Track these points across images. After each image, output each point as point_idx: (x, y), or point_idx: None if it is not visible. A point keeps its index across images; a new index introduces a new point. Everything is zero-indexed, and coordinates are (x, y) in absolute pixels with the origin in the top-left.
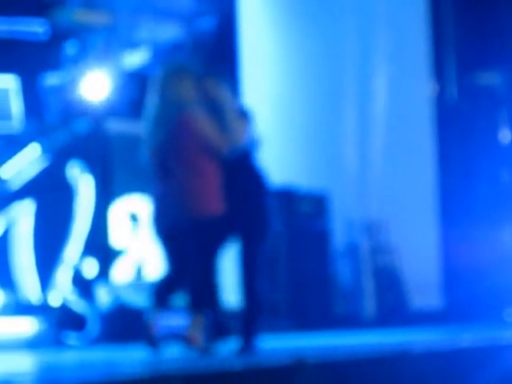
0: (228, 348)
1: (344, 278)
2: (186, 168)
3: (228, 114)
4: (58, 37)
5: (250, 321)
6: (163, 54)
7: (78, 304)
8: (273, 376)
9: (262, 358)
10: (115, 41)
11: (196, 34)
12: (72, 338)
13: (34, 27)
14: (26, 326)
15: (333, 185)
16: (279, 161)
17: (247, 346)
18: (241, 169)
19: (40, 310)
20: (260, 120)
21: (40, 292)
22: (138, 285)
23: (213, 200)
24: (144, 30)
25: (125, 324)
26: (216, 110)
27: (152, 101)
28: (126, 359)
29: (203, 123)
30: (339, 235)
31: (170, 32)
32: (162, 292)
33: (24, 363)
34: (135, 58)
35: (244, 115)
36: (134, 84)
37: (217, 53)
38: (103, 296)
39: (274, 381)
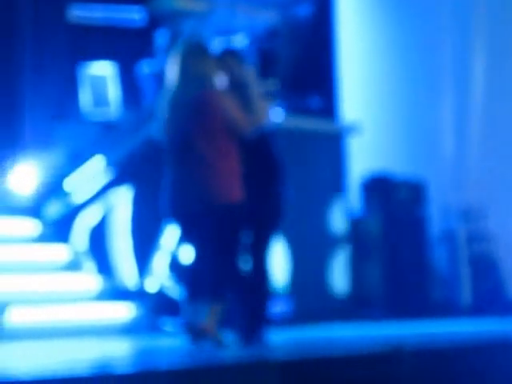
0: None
1: (441, 265)
2: (208, 150)
3: (252, 93)
4: (156, 24)
5: (257, 311)
6: (259, 40)
7: (174, 290)
8: (370, 364)
9: (360, 345)
10: (212, 28)
11: (292, 21)
12: (168, 324)
13: (132, 14)
14: (123, 312)
15: (430, 171)
16: (376, 148)
17: (252, 336)
18: (258, 152)
19: (137, 295)
20: (358, 107)
21: (137, 278)
22: None
23: (235, 186)
24: (241, 16)
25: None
26: (239, 89)
27: (171, 78)
28: None
29: (226, 101)
30: (436, 222)
31: (266, 19)
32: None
33: (121, 349)
34: (231, 45)
35: (266, 96)
36: None
37: (312, 40)
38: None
39: (371, 369)
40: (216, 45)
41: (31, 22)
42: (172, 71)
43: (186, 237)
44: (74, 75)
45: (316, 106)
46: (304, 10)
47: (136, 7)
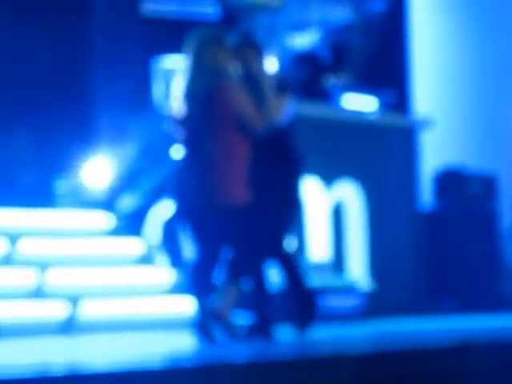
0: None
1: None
2: (215, 146)
3: (265, 88)
4: (229, 18)
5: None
6: (333, 35)
7: (245, 282)
8: (440, 357)
9: (432, 339)
10: (285, 22)
11: (366, 15)
12: (239, 317)
13: (206, 8)
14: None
15: (502, 165)
16: (449, 142)
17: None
18: (274, 149)
19: None
20: (431, 101)
21: None
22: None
23: (239, 189)
24: (314, 11)
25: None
26: (253, 84)
27: (185, 69)
28: (295, 339)
29: (238, 95)
30: (508, 216)
31: (339, 13)
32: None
33: (193, 342)
34: (305, 39)
35: (283, 91)
36: (304, 65)
37: (385, 34)
38: (274, 276)
39: (441, 362)
40: (234, 35)
41: (105, 16)
42: (186, 62)
43: (191, 232)
44: (148, 69)
45: (389, 101)
46: (378, 4)
47: (209, 1)
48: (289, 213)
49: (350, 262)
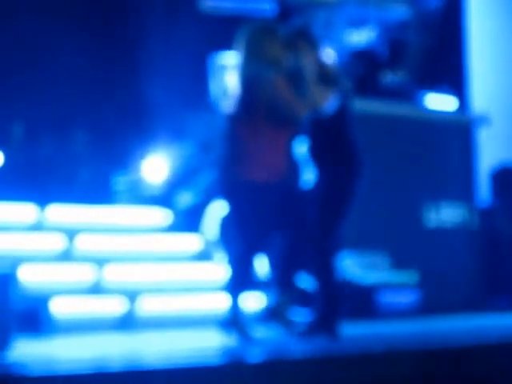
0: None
1: None
2: (260, 134)
3: (307, 76)
4: (286, 14)
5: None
6: (390, 31)
7: (304, 281)
8: (496, 353)
9: (486, 335)
10: (342, 18)
11: (423, 12)
12: (298, 314)
13: (263, 4)
14: (253, 302)
15: None
16: (506, 138)
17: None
18: (322, 137)
19: (267, 286)
20: (488, 98)
21: (266, 268)
22: (365, 262)
23: (261, 166)
24: (372, 7)
25: (351, 301)
26: (297, 73)
27: (238, 60)
28: (351, 336)
29: (282, 85)
30: None
31: (397, 10)
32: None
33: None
34: (362, 36)
35: (330, 81)
36: (361, 61)
37: (443, 31)
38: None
39: (497, 358)
40: (288, 26)
41: (164, 12)
42: (239, 56)
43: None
44: (205, 65)
45: (446, 97)
46: (434, 1)
47: None
48: (339, 212)
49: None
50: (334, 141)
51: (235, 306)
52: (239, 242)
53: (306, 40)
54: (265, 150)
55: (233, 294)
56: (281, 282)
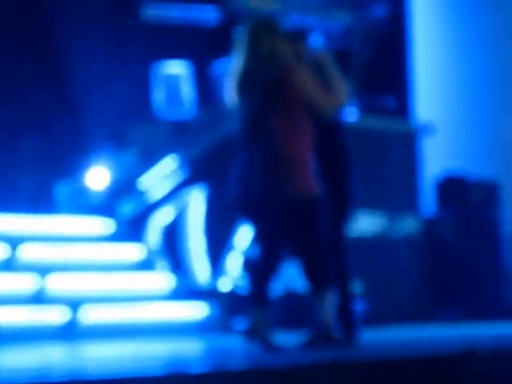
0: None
1: None
2: (283, 132)
3: (332, 72)
4: (230, 23)
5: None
6: (334, 40)
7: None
8: (443, 365)
9: (431, 346)
10: (286, 27)
11: (367, 21)
12: (241, 323)
13: (207, 13)
14: (196, 311)
15: (504, 172)
16: (450, 148)
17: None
18: (333, 143)
19: (210, 295)
20: (432, 107)
21: (210, 277)
22: None
23: (311, 178)
24: (315, 16)
25: (294, 310)
26: (316, 68)
27: (240, 59)
28: (294, 346)
29: (305, 77)
30: (510, 223)
31: (341, 19)
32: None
33: (193, 348)
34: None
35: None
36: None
37: (387, 40)
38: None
39: (442, 369)
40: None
41: (106, 21)
42: (241, 50)
43: (256, 228)
44: (148, 74)
45: (391, 106)
46: (379, 11)
47: (210, 6)
48: (347, 211)
49: None
50: (329, 145)
51: (255, 315)
52: (259, 254)
53: (303, 41)
54: (307, 153)
55: (251, 306)
56: (260, 298)
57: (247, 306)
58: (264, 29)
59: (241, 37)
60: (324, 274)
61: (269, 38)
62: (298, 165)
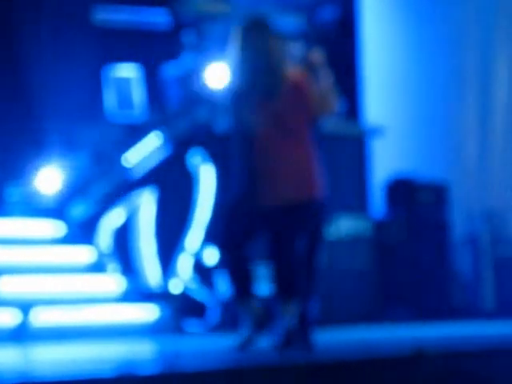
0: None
1: (463, 268)
2: (294, 138)
3: (326, 73)
4: (180, 27)
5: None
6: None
7: (198, 292)
8: (391, 366)
9: (381, 347)
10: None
11: (316, 24)
12: (192, 325)
13: (157, 17)
14: (147, 313)
15: (453, 174)
16: (399, 150)
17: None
18: None
19: (161, 297)
20: (382, 109)
21: (161, 279)
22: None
23: (320, 177)
24: None
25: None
26: (308, 69)
27: (243, 63)
28: None
29: (310, 80)
30: (459, 225)
31: (290, 22)
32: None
33: (144, 350)
34: None
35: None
36: None
37: (336, 43)
38: (223, 284)
39: (391, 371)
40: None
41: (56, 24)
42: (240, 52)
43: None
44: (99, 77)
45: (340, 109)
46: (328, 13)
47: (161, 10)
48: None
49: None
50: None
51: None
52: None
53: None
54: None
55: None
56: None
57: (241, 307)
58: (259, 29)
59: (240, 39)
60: (294, 281)
61: (272, 37)
62: (312, 166)
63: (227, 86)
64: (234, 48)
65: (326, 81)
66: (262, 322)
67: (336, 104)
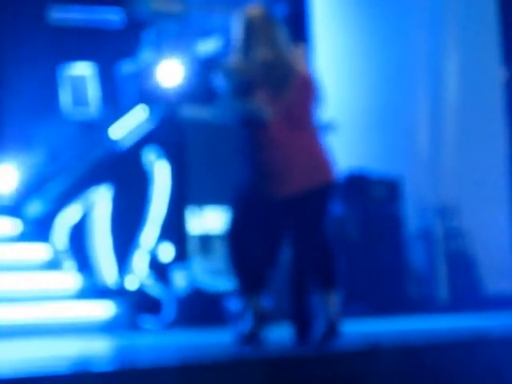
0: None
1: (417, 263)
2: (303, 128)
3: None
4: (134, 25)
5: None
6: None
7: (154, 288)
8: (347, 360)
9: (338, 342)
10: (189, 29)
11: None
12: (148, 321)
13: (111, 16)
14: (103, 310)
15: (406, 169)
16: (352, 146)
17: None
18: None
19: (117, 293)
20: (334, 106)
21: (117, 276)
22: (214, 269)
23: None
24: (216, 17)
25: (200, 308)
26: None
27: (252, 55)
28: (201, 343)
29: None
30: (412, 219)
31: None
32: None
33: (100, 347)
34: (208, 46)
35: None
36: (208, 71)
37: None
38: (179, 280)
39: (348, 365)
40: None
41: (11, 22)
42: (247, 45)
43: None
44: (54, 75)
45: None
46: (279, 10)
47: (115, 9)
48: None
49: None
50: None
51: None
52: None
53: None
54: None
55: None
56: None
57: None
58: (267, 21)
59: (245, 31)
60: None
61: (274, 30)
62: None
63: (224, 81)
64: (239, 40)
65: None
66: (264, 320)
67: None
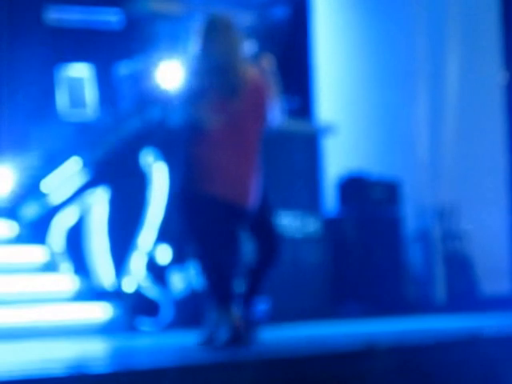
0: None
1: (415, 264)
2: (245, 141)
3: (275, 79)
4: (132, 26)
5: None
6: None
7: (151, 290)
8: (345, 361)
9: (333, 343)
10: (188, 30)
11: (268, 22)
12: (145, 323)
13: (109, 17)
14: (100, 312)
15: (404, 171)
16: (351, 147)
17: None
18: None
19: (114, 296)
20: (334, 108)
21: (114, 278)
22: None
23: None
24: None
25: (198, 310)
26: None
27: (204, 61)
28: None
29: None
30: (411, 221)
31: (242, 21)
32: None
33: (97, 349)
34: None
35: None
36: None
37: (288, 41)
38: (176, 282)
39: (344, 366)
40: None
41: (7, 23)
42: (202, 50)
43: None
44: (51, 77)
45: (292, 107)
46: (280, 11)
47: (113, 9)
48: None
49: None
50: None
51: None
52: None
53: None
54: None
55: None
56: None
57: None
58: (221, 28)
59: (200, 37)
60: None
61: (228, 37)
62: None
63: (184, 82)
64: (194, 45)
65: (273, 89)
66: (239, 331)
67: (280, 116)
